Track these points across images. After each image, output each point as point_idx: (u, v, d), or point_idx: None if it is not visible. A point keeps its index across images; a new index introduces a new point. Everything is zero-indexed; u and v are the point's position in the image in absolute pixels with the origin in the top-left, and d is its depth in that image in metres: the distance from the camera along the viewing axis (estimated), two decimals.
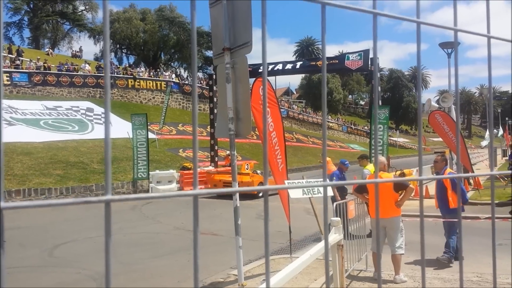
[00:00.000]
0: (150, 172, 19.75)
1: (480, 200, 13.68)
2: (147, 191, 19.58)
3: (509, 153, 15.27)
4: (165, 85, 38.21)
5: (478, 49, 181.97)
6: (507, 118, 59.07)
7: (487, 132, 36.74)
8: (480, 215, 10.67)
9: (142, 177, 19.62)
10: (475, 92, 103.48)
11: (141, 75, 39.78)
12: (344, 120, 67.54)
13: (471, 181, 17.26)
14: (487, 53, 1.44)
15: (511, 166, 14.11)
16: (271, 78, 74.53)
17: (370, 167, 9.51)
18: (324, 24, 1.01)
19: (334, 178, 9.43)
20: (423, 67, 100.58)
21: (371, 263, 7.12)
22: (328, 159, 17.54)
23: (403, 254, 6.56)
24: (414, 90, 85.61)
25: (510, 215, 10.23)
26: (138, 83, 38.15)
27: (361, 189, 6.99)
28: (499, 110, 57.81)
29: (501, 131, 39.57)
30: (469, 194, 15.49)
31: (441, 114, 14.18)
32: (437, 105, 20.40)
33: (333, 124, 60.93)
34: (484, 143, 35.71)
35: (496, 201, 13.34)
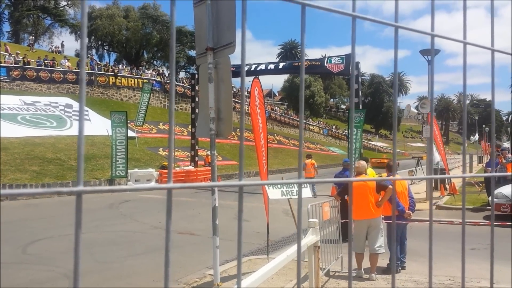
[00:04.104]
0: (128, 171, 19.57)
1: (455, 205, 13.95)
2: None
3: (487, 161, 15.62)
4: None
5: (458, 57, 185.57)
6: (483, 126, 60.42)
7: (465, 139, 37.50)
8: (454, 219, 10.90)
9: (121, 175, 19.41)
10: (454, 99, 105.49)
11: (122, 72, 39.36)
12: (325, 123, 68.06)
13: (447, 186, 17.60)
14: (463, 59, 1.48)
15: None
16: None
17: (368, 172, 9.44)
18: (303, 25, 1.02)
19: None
20: (404, 73, 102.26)
21: (347, 264, 7.26)
22: (312, 161, 17.68)
23: (383, 253, 6.90)
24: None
25: (485, 221, 10.48)
26: (119, 81, 37.75)
27: (343, 192, 7.15)
28: (476, 118, 59.04)
29: (477, 137, 40.47)
30: (445, 199, 15.81)
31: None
32: (416, 111, 20.77)
33: (314, 127, 61.33)
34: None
35: (471, 207, 13.68)
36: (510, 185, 11.70)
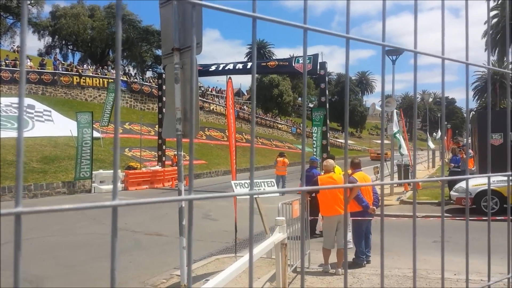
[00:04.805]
0: (93, 172, 19.15)
1: (418, 200, 14.35)
2: (89, 191, 18.98)
3: (450, 157, 16.08)
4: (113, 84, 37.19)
5: (421, 56, 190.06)
6: (446, 122, 62.27)
7: (428, 135, 38.64)
8: (417, 213, 11.20)
9: (85, 176, 18.97)
10: (418, 97, 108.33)
11: (87, 72, 38.46)
12: (293, 122, 68.58)
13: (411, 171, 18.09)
14: (441, 73, 1.54)
15: (450, 170, 14.89)
16: (223, 78, 73.92)
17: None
18: (254, 37, 1.03)
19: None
20: (369, 72, 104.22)
21: (314, 260, 7.40)
22: (284, 160, 17.73)
23: (351, 248, 7.15)
24: (360, 94, 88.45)
25: (448, 214, 10.82)
26: (84, 81, 36.87)
27: (311, 190, 7.24)
28: (439, 115, 60.86)
29: (439, 133, 41.73)
30: (408, 194, 16.23)
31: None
32: (381, 109, 21.19)
33: (283, 125, 61.72)
34: (431, 145, 37.87)
35: (435, 201, 14.06)
36: (471, 179, 12.13)
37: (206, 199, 0.84)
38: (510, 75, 1.93)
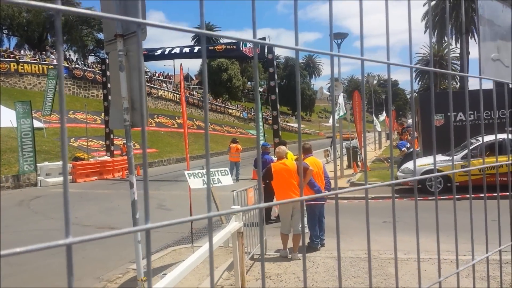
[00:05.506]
0: (38, 164, 18.27)
1: (368, 181, 14.83)
2: (35, 184, 18.12)
3: (398, 142, 16.69)
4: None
5: (366, 39, 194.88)
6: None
7: (374, 118, 39.91)
8: (369, 185, 11.57)
9: (29, 169, 18.07)
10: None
11: (25, 58, 36.40)
12: (244, 106, 68.59)
13: (359, 163, 18.65)
14: (387, 78, 1.55)
15: (401, 157, 15.45)
16: (169, 62, 71.76)
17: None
18: (204, 54, 0.97)
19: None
20: (316, 55, 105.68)
21: (270, 246, 7.49)
22: (237, 146, 17.79)
23: (307, 233, 7.26)
24: (307, 78, 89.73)
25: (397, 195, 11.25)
26: (22, 67, 34.91)
27: (265, 177, 7.26)
28: (383, 97, 62.89)
29: (384, 115, 43.24)
30: (357, 176, 16.75)
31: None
32: (328, 93, 21.61)
33: (233, 110, 61.58)
34: (378, 128, 39.34)
35: (384, 182, 14.62)
36: (416, 160, 12.66)
37: (163, 226, 0.80)
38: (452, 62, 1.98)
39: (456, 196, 1.89)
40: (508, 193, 1.93)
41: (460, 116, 14.43)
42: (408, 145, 16.61)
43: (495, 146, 2.00)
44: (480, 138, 12.11)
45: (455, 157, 11.66)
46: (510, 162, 1.99)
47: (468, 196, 1.83)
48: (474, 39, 42.40)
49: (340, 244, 1.27)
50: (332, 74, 1.23)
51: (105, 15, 0.77)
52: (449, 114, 1.82)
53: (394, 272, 1.42)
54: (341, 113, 19.19)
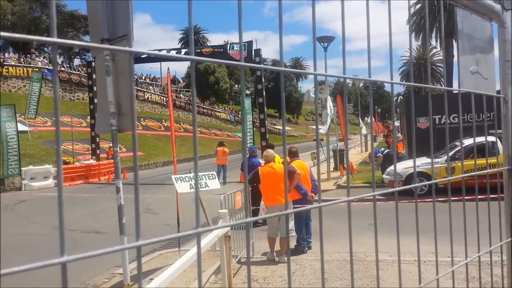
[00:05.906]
0: (22, 168, 18.06)
1: (353, 184, 14.93)
2: (20, 188, 17.90)
3: (382, 150, 16.74)
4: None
5: (351, 42, 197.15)
6: (376, 107, 65.10)
7: (360, 120, 40.21)
8: (352, 197, 11.65)
9: (13, 173, 17.85)
10: (349, 83, 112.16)
11: (9, 61, 35.94)
12: (231, 109, 68.55)
13: (345, 165, 18.80)
14: (391, 97, 1.57)
15: (385, 153, 15.52)
16: (156, 65, 71.28)
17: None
18: (193, 79, 0.96)
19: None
20: (303, 58, 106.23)
21: (257, 250, 7.52)
22: (224, 149, 17.81)
23: (294, 236, 7.34)
24: (294, 81, 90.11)
25: (382, 197, 11.35)
26: (6, 70, 34.45)
27: (253, 181, 7.29)
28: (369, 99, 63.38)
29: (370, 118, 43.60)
30: (344, 179, 16.85)
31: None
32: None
33: (221, 113, 61.53)
34: (364, 131, 39.49)
35: (369, 184, 14.69)
36: (401, 163, 12.79)
37: (153, 243, 0.79)
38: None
39: (437, 199, 1.93)
40: (494, 195, 1.98)
41: (445, 119, 14.61)
42: (382, 149, 16.92)
43: (485, 149, 2.06)
44: (464, 141, 12.28)
45: (440, 159, 11.80)
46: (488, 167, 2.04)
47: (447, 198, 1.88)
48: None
49: (324, 255, 1.30)
50: (316, 95, 1.26)
51: (96, 45, 0.79)
52: (433, 117, 1.88)
53: (380, 274, 1.46)
54: (329, 117, 19.33)
